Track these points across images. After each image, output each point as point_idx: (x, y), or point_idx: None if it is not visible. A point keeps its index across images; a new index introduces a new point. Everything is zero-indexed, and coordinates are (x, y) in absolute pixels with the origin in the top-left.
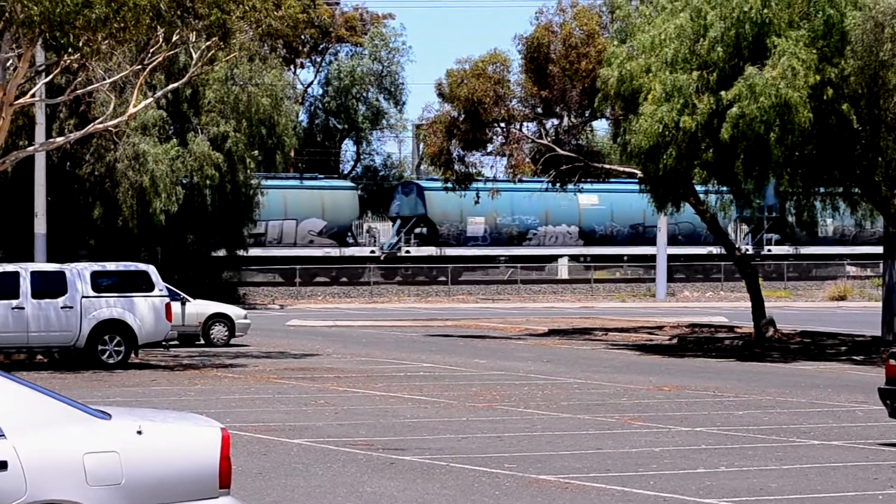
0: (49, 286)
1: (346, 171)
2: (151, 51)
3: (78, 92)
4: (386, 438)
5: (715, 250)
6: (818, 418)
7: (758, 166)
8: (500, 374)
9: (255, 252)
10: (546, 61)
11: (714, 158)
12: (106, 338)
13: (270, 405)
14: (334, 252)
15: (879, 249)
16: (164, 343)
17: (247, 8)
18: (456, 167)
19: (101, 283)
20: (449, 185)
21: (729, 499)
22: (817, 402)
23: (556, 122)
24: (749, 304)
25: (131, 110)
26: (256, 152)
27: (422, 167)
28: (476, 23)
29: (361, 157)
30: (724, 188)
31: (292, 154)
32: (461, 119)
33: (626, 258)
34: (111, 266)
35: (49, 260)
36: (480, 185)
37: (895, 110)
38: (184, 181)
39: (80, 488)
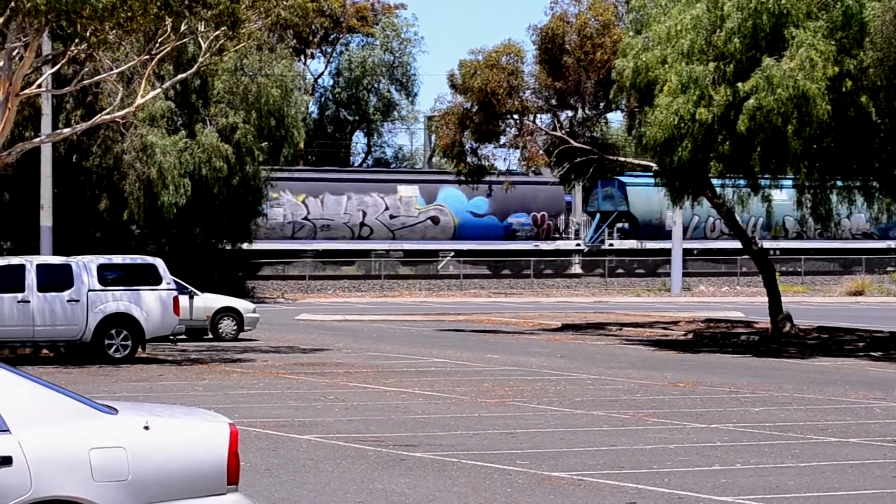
0: (55, 279)
1: (356, 164)
2: (159, 41)
3: (85, 82)
4: (396, 434)
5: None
6: (836, 415)
7: (775, 159)
8: (512, 370)
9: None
10: (560, 52)
11: (730, 151)
12: (112, 332)
13: (279, 400)
14: None
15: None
16: (171, 337)
17: None
18: (468, 159)
19: (108, 276)
20: (462, 177)
21: (745, 496)
22: (835, 399)
23: (570, 113)
24: (766, 298)
25: (139, 101)
26: (265, 144)
27: (434, 159)
28: (489, 13)
29: (372, 149)
30: (742, 181)
31: (302, 146)
32: (474, 110)
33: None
34: (118, 259)
35: (55, 253)
36: (492, 177)
37: None
38: (192, 173)
39: (86, 484)
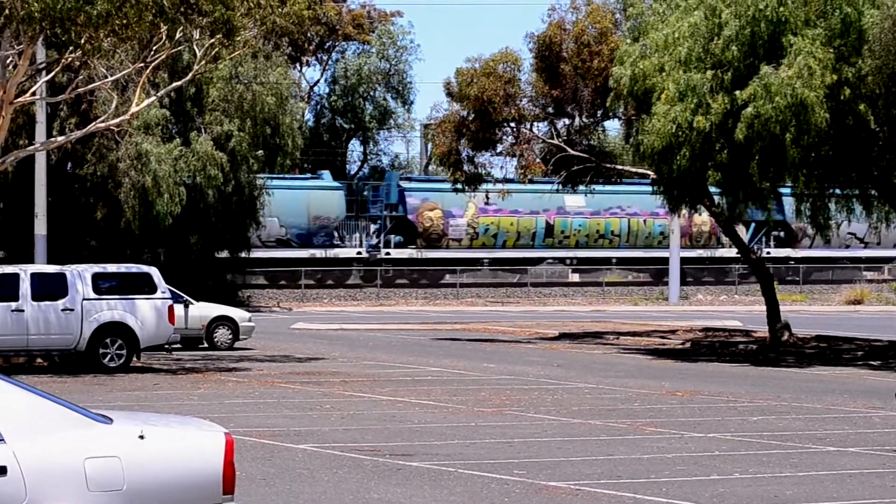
0: (49, 288)
1: (352, 172)
2: (154, 48)
3: (79, 90)
4: (392, 444)
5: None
6: (834, 424)
7: (773, 167)
8: (509, 379)
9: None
10: (558, 60)
11: (728, 159)
12: (107, 341)
13: (275, 410)
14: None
15: None
16: (166, 346)
17: (251, 4)
18: (465, 168)
19: (103, 285)
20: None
21: None
22: (833, 408)
23: (567, 121)
24: (764, 307)
25: (133, 109)
26: (261, 152)
27: (430, 167)
28: (486, 21)
29: (368, 157)
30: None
31: (298, 154)
32: (470, 119)
33: None
34: (112, 268)
35: (50, 261)
36: (490, 185)
37: None
38: (187, 181)
39: (81, 494)
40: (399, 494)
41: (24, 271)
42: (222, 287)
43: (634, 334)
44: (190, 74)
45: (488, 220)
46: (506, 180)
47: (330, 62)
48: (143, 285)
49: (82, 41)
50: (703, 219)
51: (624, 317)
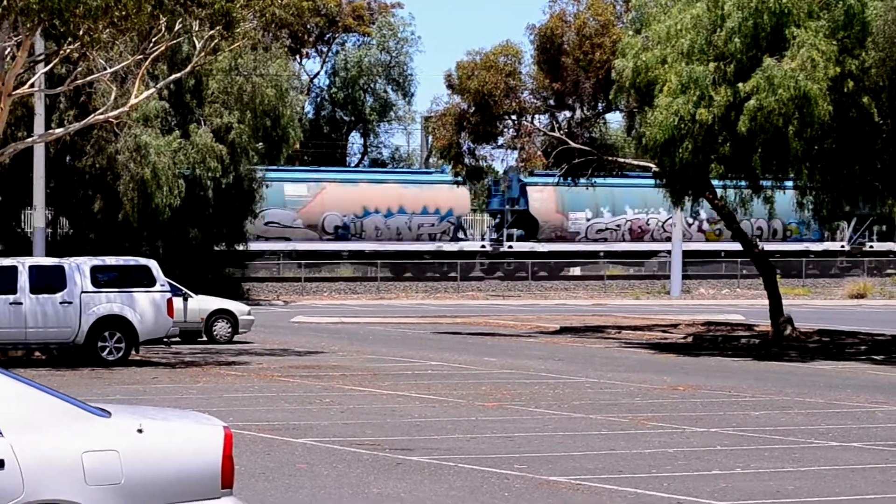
0: (47, 281)
1: (352, 165)
2: (153, 40)
3: (78, 82)
4: (393, 438)
5: None
6: (837, 419)
7: (776, 160)
8: (510, 373)
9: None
10: (559, 52)
11: (731, 152)
12: (106, 334)
13: (274, 403)
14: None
15: None
16: (165, 340)
17: None
18: (466, 160)
19: (101, 277)
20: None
21: (744, 501)
22: (836, 403)
23: (568, 114)
24: (766, 301)
25: (133, 101)
26: (260, 144)
27: (430, 160)
28: (487, 13)
29: (369, 149)
30: (742, 182)
31: (298, 146)
32: (471, 111)
33: None
34: (111, 260)
35: (48, 254)
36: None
37: None
38: (186, 174)
39: (79, 488)
40: (399, 489)
41: (23, 264)
42: (221, 280)
43: (636, 328)
44: (189, 66)
45: None
46: None
47: (330, 54)
48: (142, 278)
49: (81, 33)
50: None
51: (625, 311)
